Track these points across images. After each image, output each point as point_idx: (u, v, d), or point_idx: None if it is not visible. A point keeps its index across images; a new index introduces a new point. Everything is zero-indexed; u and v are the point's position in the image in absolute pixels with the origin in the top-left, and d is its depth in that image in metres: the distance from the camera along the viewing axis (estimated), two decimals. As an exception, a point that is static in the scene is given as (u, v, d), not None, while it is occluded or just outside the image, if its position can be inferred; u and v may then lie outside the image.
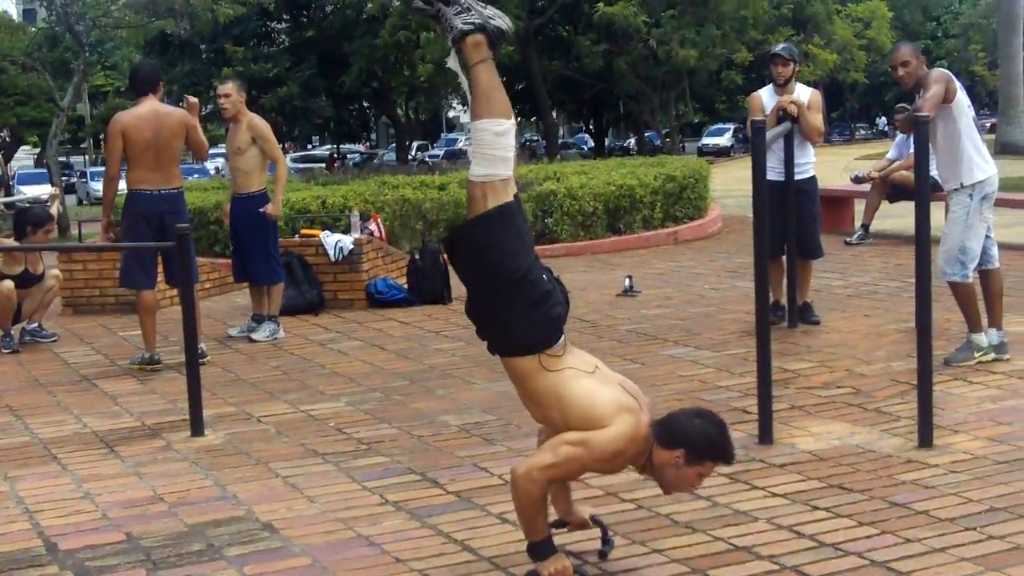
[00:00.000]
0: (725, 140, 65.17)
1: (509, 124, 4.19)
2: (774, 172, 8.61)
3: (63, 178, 30.82)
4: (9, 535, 5.11)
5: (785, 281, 9.02)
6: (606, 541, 4.55)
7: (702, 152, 56.19)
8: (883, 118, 72.73)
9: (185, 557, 4.75)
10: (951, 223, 7.55)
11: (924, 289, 5.98)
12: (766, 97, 9.16)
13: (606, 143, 61.85)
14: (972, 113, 7.58)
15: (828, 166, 21.82)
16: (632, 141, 60.37)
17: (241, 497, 5.50)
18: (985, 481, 5.30)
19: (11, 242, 10.10)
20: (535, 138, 65.09)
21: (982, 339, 7.57)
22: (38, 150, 56.19)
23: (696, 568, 4.42)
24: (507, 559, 4.52)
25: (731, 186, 24.45)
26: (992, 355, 7.55)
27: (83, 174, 51.59)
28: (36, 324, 10.03)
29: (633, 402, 4.13)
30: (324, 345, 9.30)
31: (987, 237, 7.59)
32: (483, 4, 4.30)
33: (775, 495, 5.25)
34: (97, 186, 41.98)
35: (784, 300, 9.03)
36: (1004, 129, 36.19)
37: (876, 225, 14.37)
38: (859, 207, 15.04)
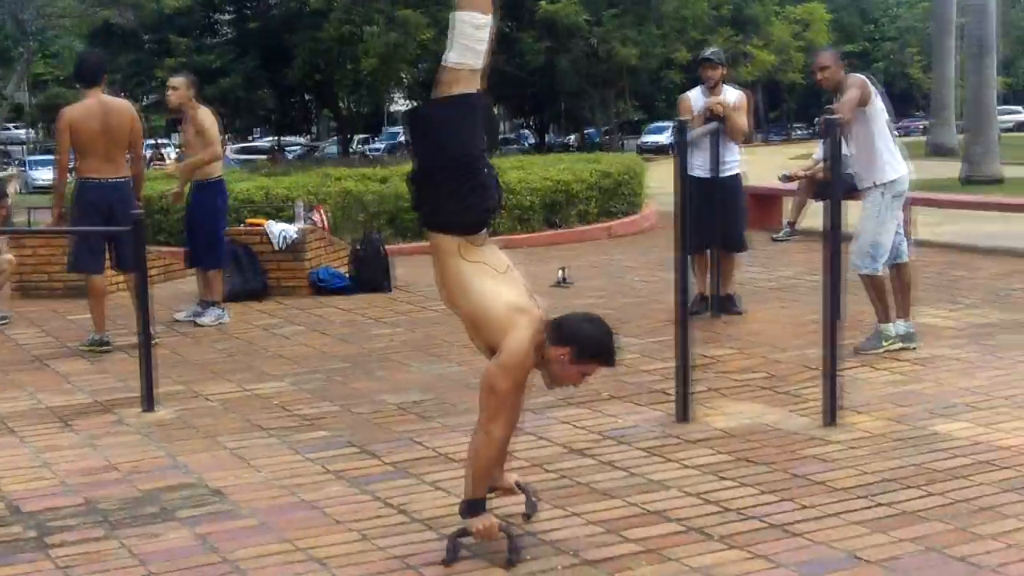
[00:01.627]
0: (664, 138, 65.64)
1: (487, 19, 4.56)
2: (701, 169, 9.11)
3: (4, 166, 30.84)
4: (-27, 499, 5.45)
5: (709, 274, 9.50)
6: (530, 504, 4.96)
7: (642, 150, 56.55)
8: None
9: (140, 519, 5.11)
10: (864, 219, 8.03)
11: (834, 280, 6.46)
12: (695, 98, 9.64)
13: (547, 139, 62.37)
14: (887, 117, 8.06)
15: (763, 165, 22.39)
16: (573, 138, 60.96)
17: (191, 466, 5.87)
18: (881, 456, 5.76)
19: None
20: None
21: (890, 329, 8.06)
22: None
23: (611, 529, 4.85)
24: (438, 521, 4.92)
25: (668, 184, 24.88)
26: (899, 344, 8.05)
27: (22, 163, 51.36)
28: (-13, 308, 10.33)
29: (531, 303, 4.52)
30: (268, 330, 9.67)
31: (898, 233, 8.08)
32: None
33: (687, 467, 5.69)
34: (37, 174, 41.92)
35: (708, 292, 9.50)
36: (935, 131, 37.06)
37: (804, 223, 14.88)
38: (788, 205, 15.56)
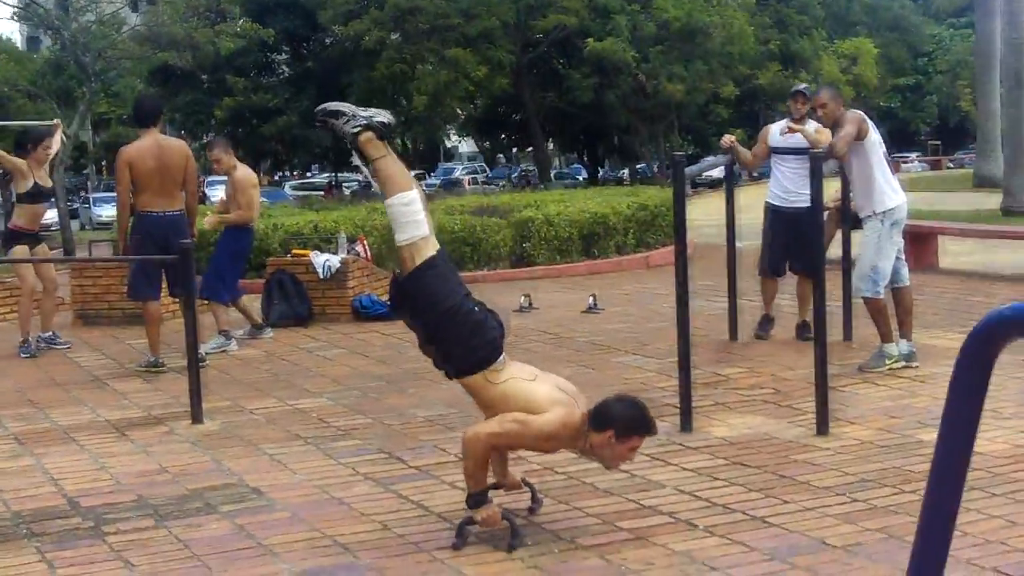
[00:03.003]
0: (717, 172, 66.15)
1: (413, 194, 5.18)
2: (778, 199, 9.69)
3: (68, 203, 31.80)
4: (38, 496, 6.08)
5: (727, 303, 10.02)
6: (535, 500, 5.51)
7: (695, 184, 57.18)
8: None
9: (186, 512, 5.71)
10: (864, 246, 8.53)
11: (819, 310, 6.99)
12: (774, 130, 10.05)
13: (600, 174, 62.99)
14: (883, 149, 8.58)
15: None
16: (625, 172, 61.55)
17: (234, 469, 6.48)
18: (864, 460, 6.26)
19: (21, 161, 10.99)
20: (530, 168, 66.24)
21: (893, 349, 8.55)
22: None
23: (606, 520, 5.39)
24: (453, 514, 5.47)
25: (713, 215, 25.41)
26: (902, 363, 8.53)
27: (86, 200, 52.52)
28: (51, 333, 11.02)
29: (566, 397, 5.09)
30: (311, 352, 10.29)
31: (897, 258, 8.58)
32: (363, 108, 5.34)
33: (685, 470, 6.22)
34: (99, 211, 43.06)
35: (772, 313, 10.00)
36: (981, 163, 37.26)
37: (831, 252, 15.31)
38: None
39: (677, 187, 7.16)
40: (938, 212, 24.20)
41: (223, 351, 10.48)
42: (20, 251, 10.75)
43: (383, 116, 5.25)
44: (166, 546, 5.21)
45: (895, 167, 9.74)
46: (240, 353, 10.41)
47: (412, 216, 5.13)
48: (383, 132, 5.23)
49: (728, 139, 9.79)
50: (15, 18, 35.27)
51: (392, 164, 5.23)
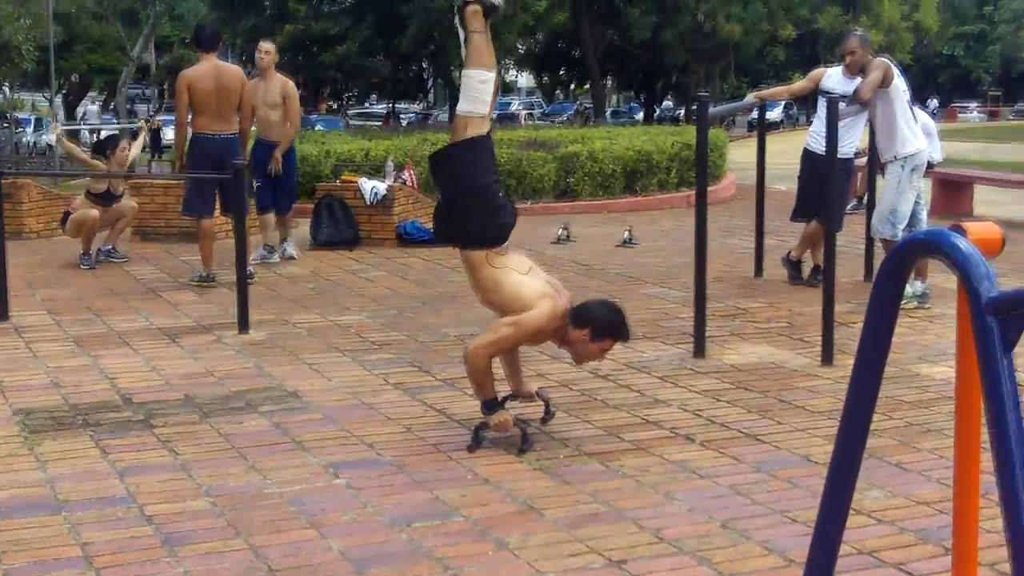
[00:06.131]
0: (776, 115, 65.93)
1: (490, 75, 5.67)
2: (818, 145, 9.57)
3: (130, 124, 32.43)
4: (94, 391, 6.62)
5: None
6: (547, 411, 5.96)
7: (752, 126, 57.13)
8: (935, 100, 73.42)
9: (228, 410, 6.23)
10: (885, 188, 8.90)
11: (829, 248, 7.38)
12: (828, 74, 9.90)
13: (656, 113, 62.98)
14: (907, 96, 8.91)
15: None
16: (681, 112, 61.54)
17: (274, 375, 7.00)
18: (861, 389, 6.67)
19: (101, 164, 11.59)
20: (588, 104, 66.32)
21: (907, 288, 8.89)
22: (104, 96, 57.92)
23: (611, 432, 5.86)
24: (471, 421, 5.92)
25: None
26: (915, 303, 8.90)
27: (148, 120, 53.07)
28: (110, 247, 11.60)
29: (552, 291, 5.55)
30: (355, 273, 10.81)
31: (916, 203, 8.93)
32: None
33: (691, 391, 6.67)
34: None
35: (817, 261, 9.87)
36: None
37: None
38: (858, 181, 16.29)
39: (701, 128, 7.52)
40: (988, 161, 24.33)
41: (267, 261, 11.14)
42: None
43: None
44: (208, 438, 5.73)
45: (952, 115, 10.01)
46: (287, 271, 10.93)
47: (482, 94, 5.60)
48: (489, 10, 5.67)
49: (754, 95, 10.11)
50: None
51: (484, 42, 5.67)
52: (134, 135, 12.54)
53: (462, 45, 5.79)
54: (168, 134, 42.91)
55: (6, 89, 40.56)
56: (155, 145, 32.25)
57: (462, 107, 5.68)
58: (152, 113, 45.20)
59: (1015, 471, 2.08)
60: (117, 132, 16.04)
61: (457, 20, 5.82)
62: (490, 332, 5.55)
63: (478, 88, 5.61)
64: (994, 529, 3.57)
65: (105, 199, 11.48)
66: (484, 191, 5.57)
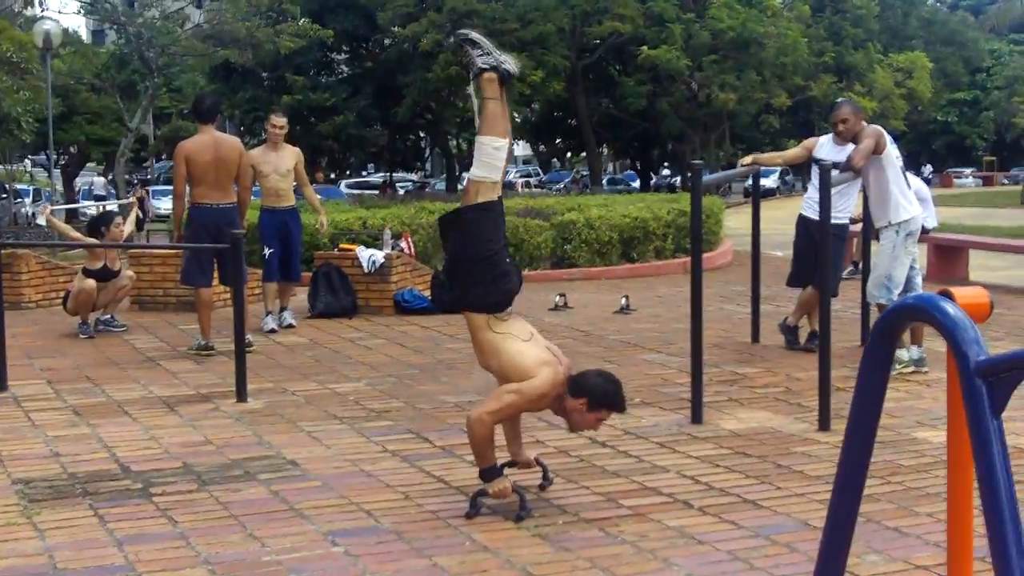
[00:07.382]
0: (771, 182, 66.35)
1: (503, 142, 5.71)
2: (812, 211, 9.42)
3: (127, 195, 32.59)
4: (93, 460, 6.63)
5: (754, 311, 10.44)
6: (546, 478, 5.99)
7: (748, 193, 57.29)
8: (928, 166, 73.77)
9: (227, 479, 6.24)
10: (880, 254, 8.95)
11: (824, 313, 7.42)
12: (820, 143, 10.01)
13: (652, 181, 63.30)
14: (900, 164, 8.99)
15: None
16: (677, 180, 61.85)
17: (273, 443, 7.01)
18: (859, 454, 6.69)
19: (93, 240, 11.66)
20: (584, 172, 66.65)
21: (904, 354, 8.95)
22: (102, 167, 58.20)
23: (610, 498, 5.86)
24: (470, 488, 5.93)
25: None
26: (912, 368, 8.93)
27: (147, 192, 53.32)
28: (109, 316, 11.64)
29: (553, 359, 5.58)
30: (353, 341, 10.84)
31: (911, 268, 8.99)
32: (500, 51, 5.83)
33: (690, 457, 6.68)
34: (158, 203, 43.90)
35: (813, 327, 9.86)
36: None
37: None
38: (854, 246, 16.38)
39: (695, 194, 7.59)
40: (981, 227, 24.46)
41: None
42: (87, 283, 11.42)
43: (510, 65, 5.72)
44: (207, 507, 5.74)
45: (948, 181, 10.10)
46: (286, 340, 10.96)
47: (495, 160, 5.64)
48: (505, 77, 5.71)
49: (747, 160, 10.17)
50: (82, 12, 36.17)
51: (499, 108, 5.71)
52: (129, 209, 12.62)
53: (475, 113, 5.86)
54: (159, 204, 43.58)
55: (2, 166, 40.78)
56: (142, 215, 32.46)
57: (475, 172, 5.71)
58: (136, 182, 45.46)
59: (1006, 532, 2.11)
60: (116, 208, 16.10)
61: (472, 87, 5.89)
62: (493, 400, 5.57)
63: (491, 154, 5.66)
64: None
65: (102, 276, 11.50)
66: (492, 256, 5.61)
